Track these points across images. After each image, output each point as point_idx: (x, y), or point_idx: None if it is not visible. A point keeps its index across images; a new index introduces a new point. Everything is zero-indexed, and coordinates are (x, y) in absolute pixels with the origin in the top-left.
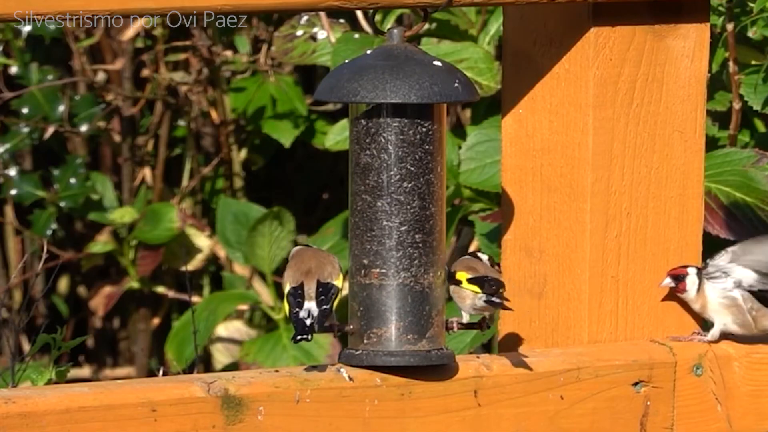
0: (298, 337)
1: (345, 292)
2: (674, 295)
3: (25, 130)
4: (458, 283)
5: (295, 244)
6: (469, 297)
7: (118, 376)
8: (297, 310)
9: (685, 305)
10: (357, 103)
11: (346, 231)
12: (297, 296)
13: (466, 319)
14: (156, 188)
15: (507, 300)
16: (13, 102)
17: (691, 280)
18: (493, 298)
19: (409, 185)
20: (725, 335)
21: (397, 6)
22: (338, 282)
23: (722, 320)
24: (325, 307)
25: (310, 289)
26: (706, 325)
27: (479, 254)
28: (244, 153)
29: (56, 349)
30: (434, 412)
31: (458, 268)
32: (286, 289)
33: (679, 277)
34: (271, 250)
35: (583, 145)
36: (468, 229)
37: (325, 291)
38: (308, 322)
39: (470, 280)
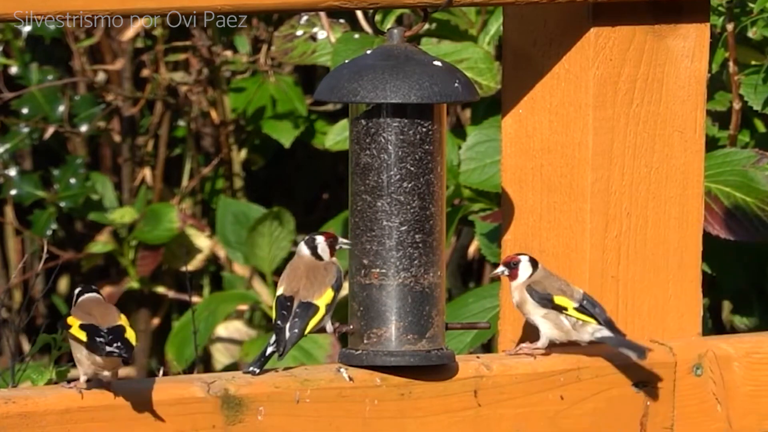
0: (270, 350)
1: (345, 292)
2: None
3: (25, 130)
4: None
5: (295, 244)
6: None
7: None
8: (279, 323)
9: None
10: (357, 103)
11: (346, 231)
12: (284, 308)
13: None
14: (156, 188)
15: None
16: (13, 102)
17: (524, 266)
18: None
19: (409, 185)
20: (552, 343)
21: (397, 6)
22: (321, 300)
23: (546, 329)
24: (296, 330)
25: (294, 306)
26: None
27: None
28: (244, 153)
29: (56, 349)
30: (434, 412)
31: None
32: (278, 292)
33: (511, 264)
34: (271, 250)
35: (583, 145)
36: (468, 229)
37: (302, 312)
38: (282, 341)
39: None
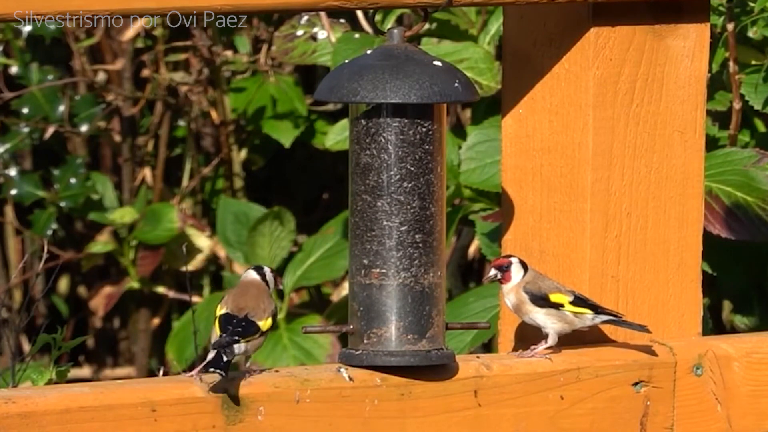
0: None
1: (345, 291)
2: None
3: (25, 130)
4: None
5: (296, 244)
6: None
7: (118, 376)
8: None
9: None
10: (357, 103)
11: (346, 231)
12: (229, 324)
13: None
14: (156, 188)
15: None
16: (13, 102)
17: (516, 268)
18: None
19: (409, 185)
20: (559, 336)
21: (397, 6)
22: (264, 323)
23: (550, 324)
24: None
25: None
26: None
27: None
28: (244, 153)
29: (56, 349)
30: (434, 412)
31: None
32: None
33: (503, 267)
34: (272, 250)
35: (583, 145)
36: (468, 229)
37: (247, 326)
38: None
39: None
